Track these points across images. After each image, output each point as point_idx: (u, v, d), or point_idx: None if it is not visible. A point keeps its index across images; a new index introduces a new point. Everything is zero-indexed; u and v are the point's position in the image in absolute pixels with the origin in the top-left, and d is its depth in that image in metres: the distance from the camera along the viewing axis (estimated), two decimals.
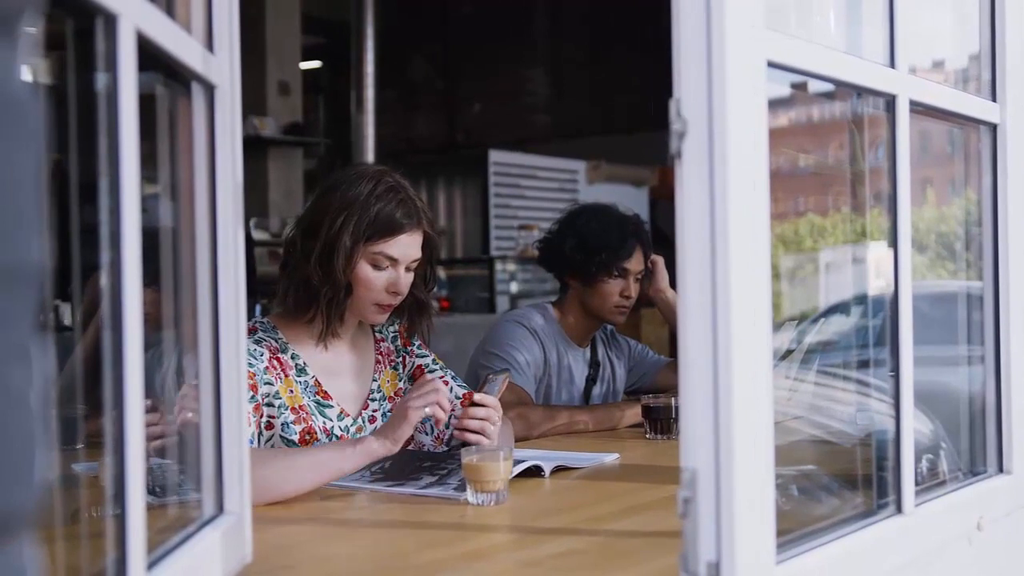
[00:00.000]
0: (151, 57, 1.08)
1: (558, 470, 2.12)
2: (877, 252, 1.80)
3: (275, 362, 2.11)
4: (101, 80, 0.99)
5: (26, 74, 0.53)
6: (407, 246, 2.13)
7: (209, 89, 1.31)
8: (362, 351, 2.28)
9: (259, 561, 1.41)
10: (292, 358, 2.15)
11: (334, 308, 2.12)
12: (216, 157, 1.32)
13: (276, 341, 2.15)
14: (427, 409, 1.91)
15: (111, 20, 0.97)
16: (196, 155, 1.31)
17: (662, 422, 2.60)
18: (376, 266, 2.12)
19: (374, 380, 2.27)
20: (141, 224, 1.00)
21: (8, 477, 0.51)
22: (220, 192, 1.32)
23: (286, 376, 2.12)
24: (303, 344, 2.17)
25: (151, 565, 1.06)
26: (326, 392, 2.16)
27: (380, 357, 2.30)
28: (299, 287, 2.13)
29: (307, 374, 2.15)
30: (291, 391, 2.11)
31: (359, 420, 2.21)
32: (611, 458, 2.30)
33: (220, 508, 1.33)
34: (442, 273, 7.61)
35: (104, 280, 0.99)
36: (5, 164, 0.49)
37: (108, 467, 1.10)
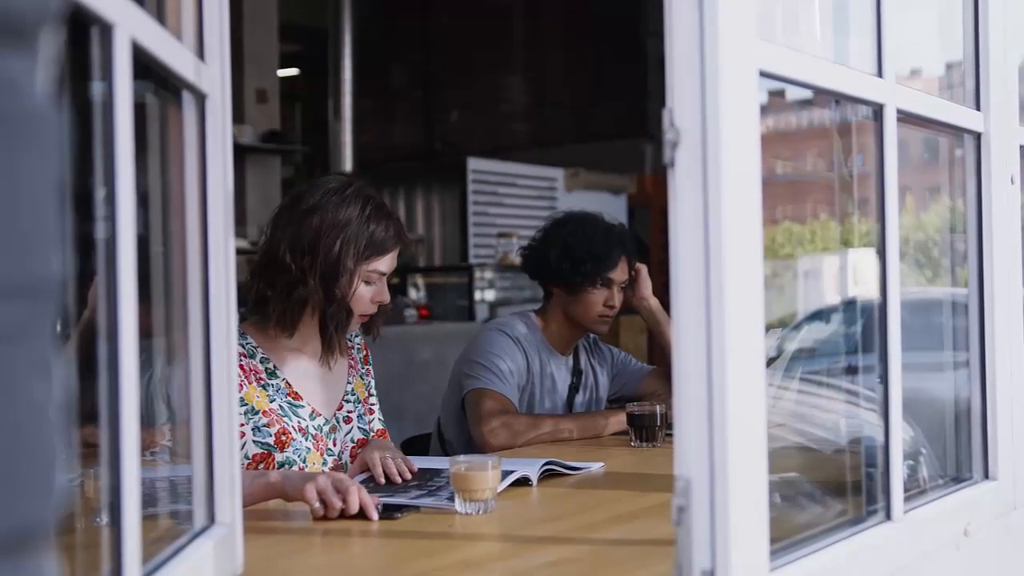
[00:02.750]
0: (143, 66, 1.08)
1: (546, 476, 2.12)
2: (856, 259, 1.81)
3: (238, 368, 2.13)
4: (96, 88, 0.98)
5: (44, 86, 0.53)
6: (393, 259, 2.24)
7: (200, 98, 1.31)
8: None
9: (250, 572, 1.40)
10: (262, 362, 2.19)
11: (340, 327, 2.19)
12: (207, 166, 1.32)
13: (243, 347, 2.17)
14: (316, 505, 1.77)
15: (107, 29, 0.97)
16: (187, 164, 1.30)
17: (647, 430, 2.60)
18: (367, 282, 2.20)
19: (348, 383, 2.33)
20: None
21: (29, 491, 0.50)
22: (211, 201, 1.32)
23: (256, 380, 2.16)
24: (276, 349, 2.22)
25: None
26: (297, 393, 2.21)
27: (352, 362, 2.37)
28: (295, 305, 2.15)
29: (278, 377, 2.20)
30: (258, 396, 2.15)
31: (333, 420, 2.25)
32: (596, 467, 2.30)
33: (211, 519, 1.33)
34: (420, 281, 7.59)
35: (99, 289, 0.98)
36: (26, 177, 0.49)
37: (98, 478, 1.09)
